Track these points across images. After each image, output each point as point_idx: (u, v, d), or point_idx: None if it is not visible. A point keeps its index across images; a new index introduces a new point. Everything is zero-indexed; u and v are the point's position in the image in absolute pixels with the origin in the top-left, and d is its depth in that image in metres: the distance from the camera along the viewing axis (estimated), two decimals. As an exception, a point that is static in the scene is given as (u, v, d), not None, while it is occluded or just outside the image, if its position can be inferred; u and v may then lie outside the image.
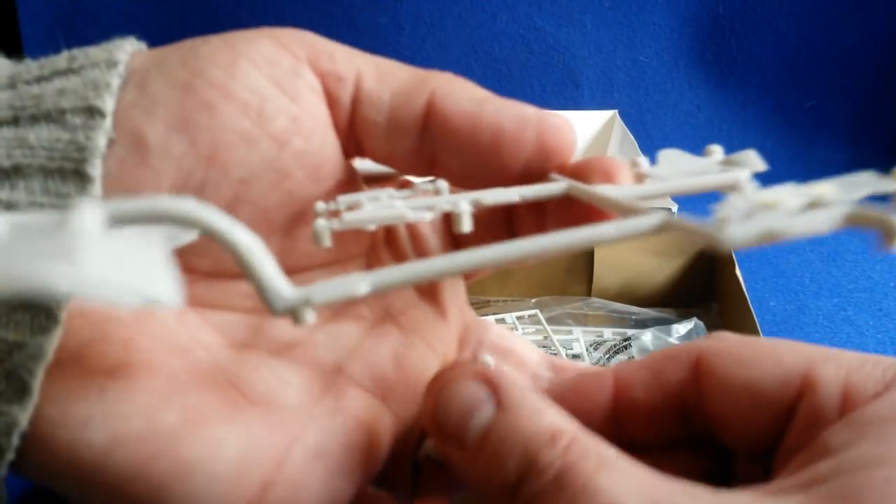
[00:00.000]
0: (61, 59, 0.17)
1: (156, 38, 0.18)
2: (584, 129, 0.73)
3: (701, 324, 0.44)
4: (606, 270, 0.51)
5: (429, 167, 0.19)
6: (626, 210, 0.15)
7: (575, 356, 0.46)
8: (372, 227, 0.15)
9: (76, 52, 0.17)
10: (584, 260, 0.51)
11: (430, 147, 0.18)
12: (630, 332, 0.46)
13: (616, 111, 0.72)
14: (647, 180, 0.18)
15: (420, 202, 0.16)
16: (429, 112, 0.17)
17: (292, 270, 0.19)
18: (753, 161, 0.17)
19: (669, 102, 0.81)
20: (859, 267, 0.58)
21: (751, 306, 0.41)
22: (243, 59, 0.16)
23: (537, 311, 0.48)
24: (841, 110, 0.79)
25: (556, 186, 0.17)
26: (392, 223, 0.15)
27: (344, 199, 0.17)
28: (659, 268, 0.51)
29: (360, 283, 0.12)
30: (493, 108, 0.17)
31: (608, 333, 0.46)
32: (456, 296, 0.21)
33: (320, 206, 0.17)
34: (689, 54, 0.80)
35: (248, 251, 0.11)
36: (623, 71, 0.81)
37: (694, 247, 0.50)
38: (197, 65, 0.16)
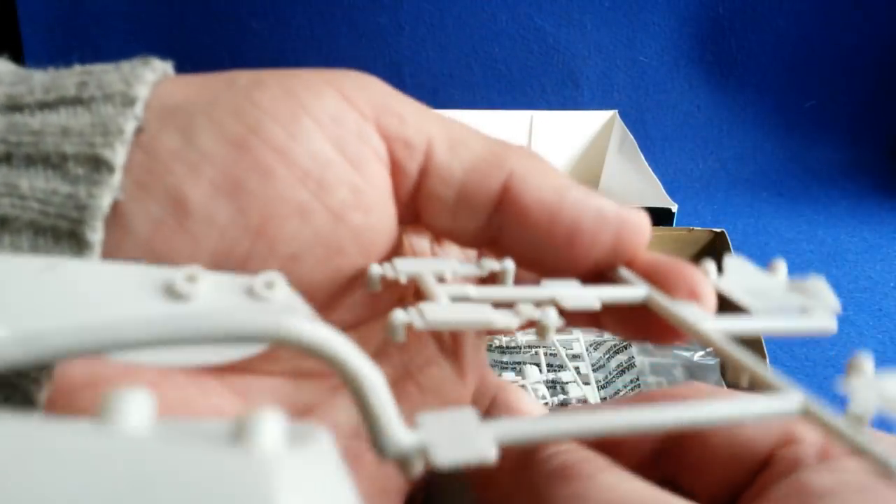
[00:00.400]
0: (70, 81, 0.14)
1: (155, 37, 0.18)
2: (584, 129, 0.73)
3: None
4: (606, 270, 0.51)
5: (490, 245, 0.17)
6: (731, 361, 0.14)
7: (575, 356, 0.46)
8: (454, 329, 0.14)
9: (89, 71, 0.15)
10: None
11: (497, 229, 0.16)
12: (630, 332, 0.45)
13: (616, 111, 0.72)
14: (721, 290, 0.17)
15: (495, 293, 0.15)
16: (504, 196, 0.16)
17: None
18: (825, 294, 0.16)
19: (669, 102, 0.81)
20: (859, 267, 0.58)
21: (751, 306, 0.41)
22: (306, 116, 0.14)
23: (537, 311, 0.48)
24: (841, 111, 0.79)
25: (635, 293, 0.16)
26: (477, 328, 0.14)
27: (401, 267, 0.15)
28: (659, 268, 0.51)
29: (489, 448, 0.10)
30: (573, 201, 0.16)
31: (608, 333, 0.46)
32: (477, 356, 0.19)
33: (375, 270, 0.15)
34: (689, 54, 0.80)
35: (371, 388, 0.10)
36: (623, 71, 0.81)
37: (695, 246, 0.50)
38: (254, 118, 0.14)
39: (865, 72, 0.78)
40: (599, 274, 0.17)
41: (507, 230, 0.16)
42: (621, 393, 0.42)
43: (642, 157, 0.61)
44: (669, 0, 0.78)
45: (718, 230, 0.49)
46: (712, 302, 0.16)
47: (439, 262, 0.16)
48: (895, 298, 0.54)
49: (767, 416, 0.13)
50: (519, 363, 0.43)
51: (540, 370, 0.43)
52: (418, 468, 0.10)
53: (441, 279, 0.16)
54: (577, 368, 0.44)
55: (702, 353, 0.42)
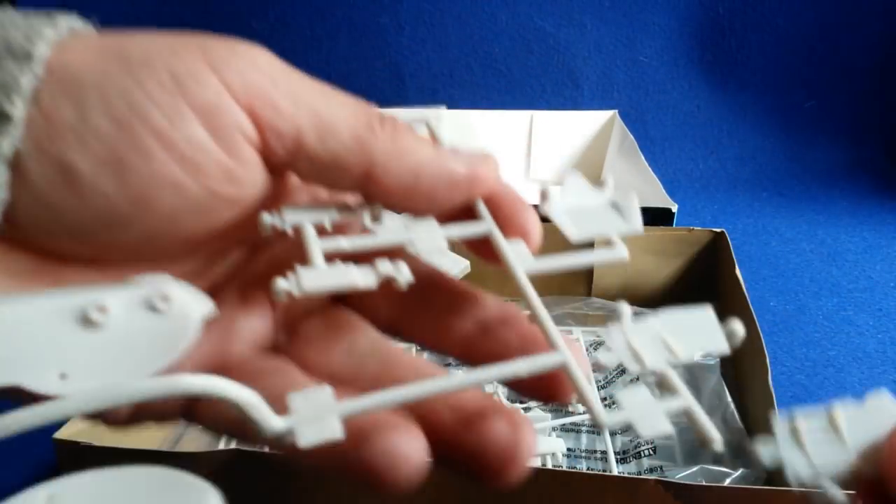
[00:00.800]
0: None
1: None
2: (584, 129, 0.73)
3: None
4: (606, 270, 0.51)
5: (364, 199, 0.20)
6: (532, 313, 0.17)
7: (575, 356, 0.45)
8: (326, 293, 0.17)
9: (4, 18, 0.16)
10: (584, 260, 0.51)
11: (365, 194, 0.19)
12: (630, 332, 0.45)
13: (616, 111, 0.72)
14: (548, 204, 0.20)
15: (363, 242, 0.18)
16: (366, 179, 0.18)
17: (215, 284, 0.20)
18: (635, 215, 0.20)
19: (669, 102, 0.81)
20: (859, 267, 0.58)
21: (751, 306, 0.41)
22: (186, 105, 0.16)
23: (537, 311, 0.48)
24: (840, 111, 0.79)
25: (477, 229, 0.19)
26: (346, 290, 0.17)
27: (288, 217, 0.18)
28: (659, 268, 0.51)
29: (335, 423, 0.14)
30: (427, 178, 0.18)
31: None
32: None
33: (266, 218, 0.18)
34: (689, 54, 0.80)
35: (249, 406, 0.14)
36: (623, 71, 0.81)
37: (693, 249, 0.50)
38: (139, 102, 0.16)
39: (865, 72, 0.78)
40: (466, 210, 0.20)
41: (373, 198, 0.19)
42: (621, 393, 0.42)
43: (642, 157, 0.61)
44: (669, 0, 0.78)
45: (718, 230, 0.49)
46: (536, 239, 0.19)
47: (320, 212, 0.19)
48: (895, 299, 0.54)
49: (532, 371, 0.16)
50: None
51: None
52: (291, 443, 0.14)
53: (322, 229, 0.19)
54: (577, 368, 0.44)
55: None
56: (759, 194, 0.73)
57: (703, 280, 0.51)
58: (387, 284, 0.17)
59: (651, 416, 0.15)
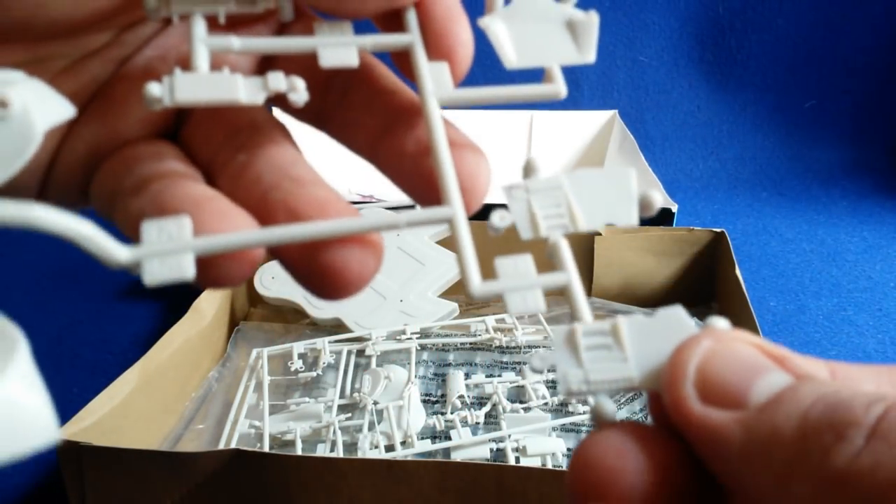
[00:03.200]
0: None
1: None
2: (584, 129, 0.73)
3: (701, 324, 0.44)
4: (606, 270, 0.51)
5: None
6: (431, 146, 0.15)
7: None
8: (203, 106, 0.15)
9: None
10: (585, 260, 0.51)
11: None
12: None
13: (616, 111, 0.72)
14: (493, 20, 0.17)
15: (258, 44, 0.16)
16: None
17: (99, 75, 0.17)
18: (590, 37, 0.17)
19: (669, 102, 0.81)
20: (859, 267, 0.58)
21: (751, 306, 0.41)
22: None
23: (538, 311, 0.48)
24: (841, 110, 0.79)
25: (399, 40, 0.16)
26: (225, 105, 0.15)
27: (177, 7, 0.16)
28: (659, 268, 0.51)
29: (188, 261, 0.13)
30: None
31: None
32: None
33: (151, 1, 0.15)
34: (689, 54, 0.80)
35: (87, 238, 0.12)
36: (623, 71, 0.81)
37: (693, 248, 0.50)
38: None
39: (865, 72, 0.78)
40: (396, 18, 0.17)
41: None
42: (621, 392, 0.42)
43: (642, 157, 0.61)
44: (669, 0, 0.78)
45: (718, 230, 0.49)
46: (462, 63, 0.17)
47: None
48: (895, 299, 0.54)
49: (425, 223, 0.14)
50: (519, 363, 0.43)
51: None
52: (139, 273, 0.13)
53: (214, 22, 0.16)
54: (577, 368, 0.44)
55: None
56: (759, 194, 0.73)
57: (704, 280, 0.51)
58: (310, 70, 0.15)
59: (525, 291, 0.14)
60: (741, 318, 0.41)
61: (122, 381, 0.37)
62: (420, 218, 0.14)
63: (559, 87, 0.16)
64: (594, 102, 0.81)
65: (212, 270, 0.14)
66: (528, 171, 0.15)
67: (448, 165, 0.15)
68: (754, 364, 0.12)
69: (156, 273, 0.13)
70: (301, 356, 0.44)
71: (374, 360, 0.43)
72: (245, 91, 0.15)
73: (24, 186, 0.17)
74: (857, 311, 0.53)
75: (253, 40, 0.16)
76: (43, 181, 0.17)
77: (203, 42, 0.15)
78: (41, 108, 0.13)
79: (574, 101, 0.81)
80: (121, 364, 0.39)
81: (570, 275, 0.14)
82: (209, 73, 0.15)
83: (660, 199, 0.15)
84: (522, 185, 0.15)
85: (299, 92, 0.15)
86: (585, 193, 0.15)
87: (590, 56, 0.17)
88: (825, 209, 0.69)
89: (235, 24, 0.17)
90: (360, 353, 0.45)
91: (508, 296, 0.14)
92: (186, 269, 0.13)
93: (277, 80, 0.15)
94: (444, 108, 0.16)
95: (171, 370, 0.41)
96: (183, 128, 0.18)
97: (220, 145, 0.17)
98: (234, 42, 0.15)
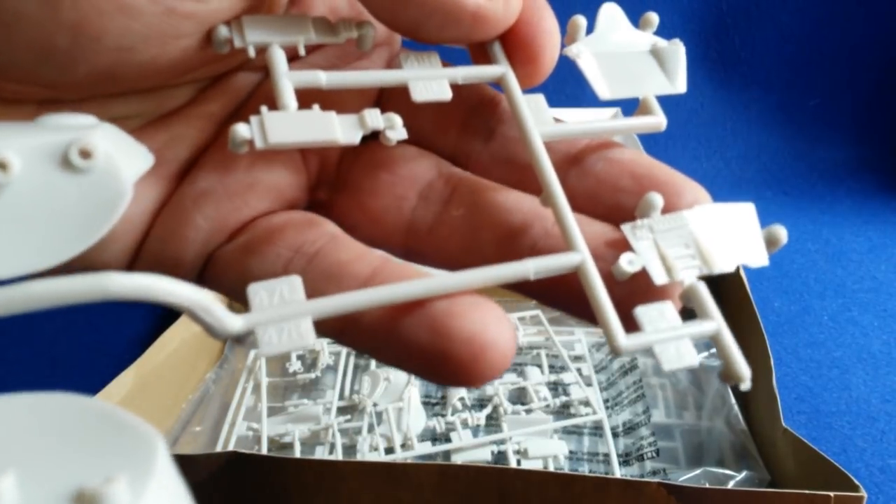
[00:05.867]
0: None
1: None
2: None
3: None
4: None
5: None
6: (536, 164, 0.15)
7: (577, 357, 0.45)
8: (297, 147, 0.14)
9: None
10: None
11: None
12: (632, 332, 0.45)
13: (618, 109, 0.72)
14: (580, 56, 0.17)
15: (347, 79, 0.15)
16: None
17: (170, 112, 0.16)
18: (679, 68, 0.16)
19: (672, 100, 0.80)
20: (864, 268, 0.58)
21: (755, 307, 0.40)
22: None
23: (538, 311, 0.47)
24: (846, 109, 0.78)
25: (492, 72, 0.16)
26: (322, 145, 0.14)
27: (251, 36, 0.14)
28: (662, 268, 0.50)
29: (309, 333, 0.12)
30: (416, 4, 0.15)
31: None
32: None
33: (222, 32, 0.14)
34: (693, 52, 0.79)
35: (198, 307, 0.11)
36: (626, 69, 0.80)
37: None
38: None
39: (870, 70, 0.77)
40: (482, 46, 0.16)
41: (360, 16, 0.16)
42: (623, 394, 0.42)
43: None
44: (672, -2, 0.77)
45: (722, 230, 0.48)
46: (543, 66, 0.16)
47: (292, 28, 0.15)
48: (901, 299, 0.53)
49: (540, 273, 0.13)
50: (521, 364, 0.43)
51: (542, 371, 0.43)
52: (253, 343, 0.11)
53: (293, 54, 0.15)
54: (579, 370, 0.44)
55: (706, 353, 0.41)
56: (763, 193, 0.72)
57: (707, 280, 0.50)
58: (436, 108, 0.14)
59: (676, 342, 0.12)
60: (745, 319, 0.40)
61: (117, 383, 0.37)
62: (547, 266, 0.13)
63: (660, 119, 0.16)
64: (597, 100, 0.80)
65: (478, 365, 0.12)
66: (648, 208, 0.14)
67: (567, 212, 0.14)
68: None
69: (273, 343, 0.11)
70: (299, 357, 0.44)
71: (373, 362, 0.43)
72: (342, 130, 0.14)
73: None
74: (861, 312, 0.52)
75: (339, 74, 0.15)
76: (130, 262, 0.16)
77: (287, 77, 0.14)
78: (125, 157, 0.12)
79: (576, 99, 0.80)
80: (116, 366, 0.38)
81: (718, 322, 0.13)
82: (299, 112, 0.14)
83: (785, 234, 0.15)
84: (646, 224, 0.14)
85: (396, 129, 0.14)
86: (710, 231, 0.14)
87: (681, 86, 0.16)
88: (830, 208, 0.68)
89: (343, 58, 0.16)
90: (360, 354, 0.44)
91: (660, 350, 0.13)
92: (306, 335, 0.11)
93: (374, 118, 0.14)
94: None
95: (168, 372, 0.41)
96: (338, 195, 0.17)
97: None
98: (321, 77, 0.14)
